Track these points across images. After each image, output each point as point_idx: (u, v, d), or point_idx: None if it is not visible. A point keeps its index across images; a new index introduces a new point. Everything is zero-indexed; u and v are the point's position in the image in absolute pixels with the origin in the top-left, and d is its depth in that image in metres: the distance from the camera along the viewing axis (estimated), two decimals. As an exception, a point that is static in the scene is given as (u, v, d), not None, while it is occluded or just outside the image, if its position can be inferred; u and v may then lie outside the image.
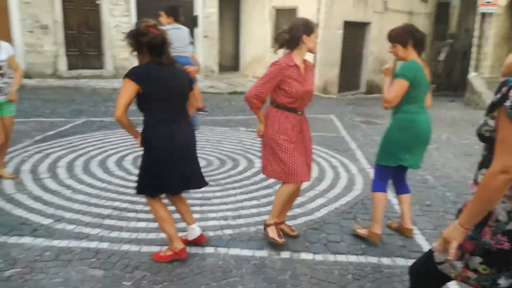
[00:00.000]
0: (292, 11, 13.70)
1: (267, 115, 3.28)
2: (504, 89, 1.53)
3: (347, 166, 5.54)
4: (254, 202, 4.19)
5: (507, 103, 1.49)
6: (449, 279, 1.93)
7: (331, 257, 3.24)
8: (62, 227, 3.48)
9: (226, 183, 4.68)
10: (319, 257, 3.23)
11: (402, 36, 3.15)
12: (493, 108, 1.60)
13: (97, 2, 11.99)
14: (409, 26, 3.24)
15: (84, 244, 3.25)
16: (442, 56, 18.53)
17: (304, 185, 4.70)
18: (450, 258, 1.70)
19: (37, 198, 4.00)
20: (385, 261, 3.22)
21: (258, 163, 5.42)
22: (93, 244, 3.24)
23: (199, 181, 3.13)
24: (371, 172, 5.18)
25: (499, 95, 1.55)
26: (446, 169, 5.69)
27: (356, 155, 6.17)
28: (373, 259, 3.24)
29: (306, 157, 3.33)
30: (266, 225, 3.39)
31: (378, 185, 3.41)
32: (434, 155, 6.34)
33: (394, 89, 3.12)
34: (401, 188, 3.60)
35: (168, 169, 2.89)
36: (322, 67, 13.52)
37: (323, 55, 13.35)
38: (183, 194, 3.26)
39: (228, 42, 15.27)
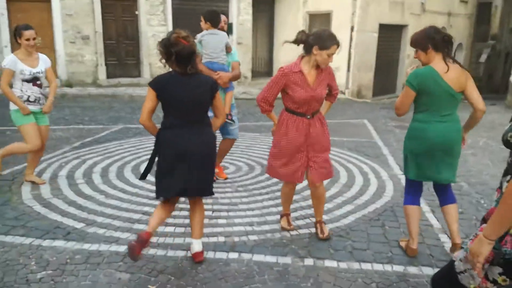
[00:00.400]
0: (326, 15, 13.66)
1: (279, 117, 3.50)
2: None
3: (378, 172, 5.45)
4: (280, 208, 4.19)
5: None
6: None
7: (355, 265, 3.20)
8: (93, 231, 3.61)
9: (253, 189, 4.71)
10: (343, 265, 3.20)
11: (421, 41, 3.05)
12: None
13: (136, 12, 12.40)
14: (430, 28, 3.07)
15: (114, 248, 3.36)
16: (483, 58, 17.88)
17: (332, 191, 4.70)
18: (476, 273, 1.65)
19: (71, 203, 4.18)
20: (412, 270, 3.14)
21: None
22: (122, 248, 3.34)
23: (202, 190, 3.10)
24: (402, 178, 5.05)
25: None
26: (482, 176, 5.48)
27: (388, 161, 6.06)
28: (399, 268, 3.17)
29: (306, 160, 3.46)
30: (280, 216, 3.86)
31: (406, 197, 3.36)
32: (470, 161, 6.12)
33: (400, 96, 3.13)
34: (443, 198, 3.36)
35: (169, 170, 2.97)
36: (356, 71, 13.38)
37: (357, 59, 13.20)
38: (205, 206, 3.31)
39: (262, 48, 15.38)
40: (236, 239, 3.56)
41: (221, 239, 3.55)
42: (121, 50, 12.54)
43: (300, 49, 3.41)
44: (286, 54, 15.96)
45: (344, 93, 13.23)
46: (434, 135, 3.06)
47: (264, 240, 3.56)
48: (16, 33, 4.34)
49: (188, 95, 2.92)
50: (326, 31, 3.35)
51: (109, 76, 12.26)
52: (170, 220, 3.85)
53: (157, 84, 2.93)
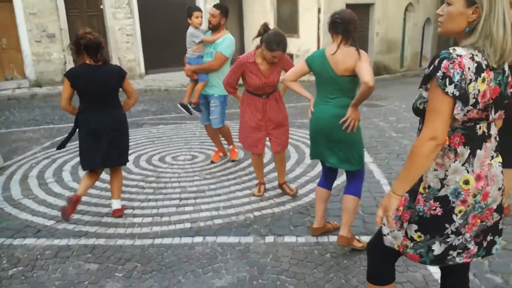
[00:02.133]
0: (292, -1, 13.73)
1: (242, 96, 4.14)
2: (436, 61, 1.61)
3: (342, 150, 5.64)
4: (247, 192, 4.37)
5: (439, 73, 1.58)
6: (398, 253, 2.06)
7: (313, 239, 3.40)
8: (63, 227, 3.73)
9: (221, 175, 4.87)
10: (301, 239, 3.40)
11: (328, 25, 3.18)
12: (426, 80, 1.67)
13: (101, 6, 12.28)
14: (333, 14, 3.02)
15: (83, 241, 3.49)
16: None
17: (297, 172, 4.89)
18: (389, 225, 1.84)
19: (42, 202, 4.27)
20: (364, 238, 3.35)
21: (254, 154, 5.59)
22: (91, 241, 3.48)
23: (119, 160, 3.82)
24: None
25: (431, 68, 1.63)
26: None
27: (353, 138, 6.25)
28: (353, 238, 3.38)
29: (265, 133, 4.08)
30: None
31: (320, 178, 3.47)
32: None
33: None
34: (346, 186, 3.29)
35: (89, 147, 3.65)
36: (326, 52, 13.52)
37: (326, 40, 13.34)
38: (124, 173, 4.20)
39: (233, 35, 15.37)
40: (202, 224, 3.72)
41: (187, 225, 3.71)
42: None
43: None
44: (257, 40, 16.07)
45: (315, 75, 13.42)
46: (314, 117, 3.15)
47: (229, 223, 3.73)
48: None
49: (98, 82, 3.52)
50: (277, 35, 3.66)
51: (79, 73, 12.16)
52: (138, 211, 4.00)
53: (71, 74, 3.52)
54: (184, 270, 3.04)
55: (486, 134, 1.71)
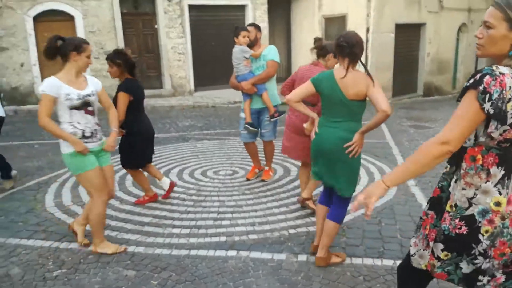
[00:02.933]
0: (341, 18, 13.76)
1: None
2: (478, 76, 1.61)
3: (385, 172, 5.57)
4: (283, 209, 4.40)
5: (481, 87, 1.57)
6: (428, 277, 2.03)
7: (346, 260, 3.37)
8: (107, 234, 3.91)
9: (259, 192, 4.94)
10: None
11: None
12: (464, 92, 1.66)
13: (155, 26, 12.88)
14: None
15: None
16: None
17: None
18: (368, 214, 1.72)
19: (89, 209, 4.51)
20: (400, 263, 3.28)
21: (294, 172, 5.62)
22: (131, 249, 3.64)
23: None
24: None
25: (471, 80, 1.63)
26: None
27: (397, 160, 6.16)
28: (388, 262, 3.31)
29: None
30: None
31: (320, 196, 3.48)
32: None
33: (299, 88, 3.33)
34: (330, 210, 3.30)
35: (146, 147, 4.56)
36: (373, 71, 13.36)
37: (374, 60, 13.23)
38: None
39: (280, 53, 15.55)
40: (237, 238, 3.79)
41: (223, 238, 3.79)
42: (143, 62, 13.02)
43: None
44: (304, 59, 16.17)
45: (362, 95, 13.30)
46: (318, 138, 3.13)
47: (263, 238, 3.78)
48: (73, 48, 3.26)
49: (143, 93, 4.54)
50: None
51: (132, 88, 12.74)
52: (177, 222, 4.13)
53: (131, 88, 4.28)
54: (216, 282, 3.10)
55: None
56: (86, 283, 3.13)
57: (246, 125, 5.14)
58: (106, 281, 3.16)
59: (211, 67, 13.52)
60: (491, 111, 1.56)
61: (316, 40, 4.04)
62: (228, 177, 5.47)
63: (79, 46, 3.28)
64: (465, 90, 1.65)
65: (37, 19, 11.34)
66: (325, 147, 3.08)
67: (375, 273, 3.18)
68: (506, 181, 1.66)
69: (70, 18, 11.69)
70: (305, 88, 3.14)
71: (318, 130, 3.14)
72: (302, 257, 3.43)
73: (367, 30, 13.18)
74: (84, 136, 3.33)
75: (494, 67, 1.60)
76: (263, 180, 5.33)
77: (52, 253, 3.58)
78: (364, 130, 2.99)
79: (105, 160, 3.57)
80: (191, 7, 13.01)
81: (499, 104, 1.55)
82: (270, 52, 5.08)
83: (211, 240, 3.76)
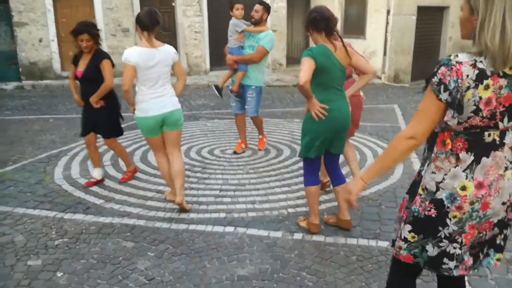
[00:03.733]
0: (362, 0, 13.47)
1: None
2: (435, 67, 1.62)
3: (391, 155, 5.50)
4: (285, 189, 4.43)
5: (435, 79, 1.60)
6: (415, 270, 1.99)
7: (341, 240, 3.39)
8: (110, 207, 4.02)
9: (263, 171, 4.96)
10: (329, 239, 3.40)
11: (305, 24, 3.21)
12: (427, 84, 1.69)
13: (173, 4, 12.85)
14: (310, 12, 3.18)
15: (125, 221, 3.75)
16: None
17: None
18: (355, 208, 1.92)
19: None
20: (395, 245, 3.28)
21: (300, 153, 5.62)
22: (132, 221, 3.73)
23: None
24: (414, 162, 5.14)
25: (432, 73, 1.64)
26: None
27: (406, 144, 6.07)
28: (383, 244, 3.32)
29: None
30: None
31: (308, 179, 3.44)
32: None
33: (302, 70, 3.09)
34: (334, 178, 3.51)
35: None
36: (393, 55, 13.14)
37: (394, 43, 12.97)
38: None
39: (298, 34, 15.40)
40: (236, 215, 3.84)
41: (222, 215, 3.85)
42: (159, 40, 13.04)
43: None
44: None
45: (380, 78, 13.07)
46: (336, 113, 3.17)
47: (262, 216, 3.82)
48: (155, 21, 3.66)
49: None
50: None
51: (148, 66, 12.82)
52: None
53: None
54: (211, 256, 3.17)
55: (498, 142, 1.64)
56: (85, 252, 3.23)
57: (213, 85, 5.81)
58: (105, 251, 3.26)
59: (227, 46, 13.48)
60: (449, 100, 1.58)
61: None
62: (234, 156, 5.50)
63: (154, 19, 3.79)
64: (427, 83, 1.68)
65: (56, -5, 11.47)
66: (348, 118, 3.29)
67: (368, 253, 3.19)
68: (474, 166, 1.65)
69: (88, -6, 11.78)
70: (309, 67, 3.09)
71: (331, 106, 3.14)
72: (298, 235, 3.47)
73: (388, 12, 12.89)
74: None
75: (452, 56, 1.61)
76: (259, 150, 5.67)
77: (56, 223, 3.70)
78: (356, 91, 3.48)
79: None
80: (209, -15, 12.94)
81: (454, 93, 1.56)
82: (265, 38, 5.16)
83: (210, 216, 3.82)
